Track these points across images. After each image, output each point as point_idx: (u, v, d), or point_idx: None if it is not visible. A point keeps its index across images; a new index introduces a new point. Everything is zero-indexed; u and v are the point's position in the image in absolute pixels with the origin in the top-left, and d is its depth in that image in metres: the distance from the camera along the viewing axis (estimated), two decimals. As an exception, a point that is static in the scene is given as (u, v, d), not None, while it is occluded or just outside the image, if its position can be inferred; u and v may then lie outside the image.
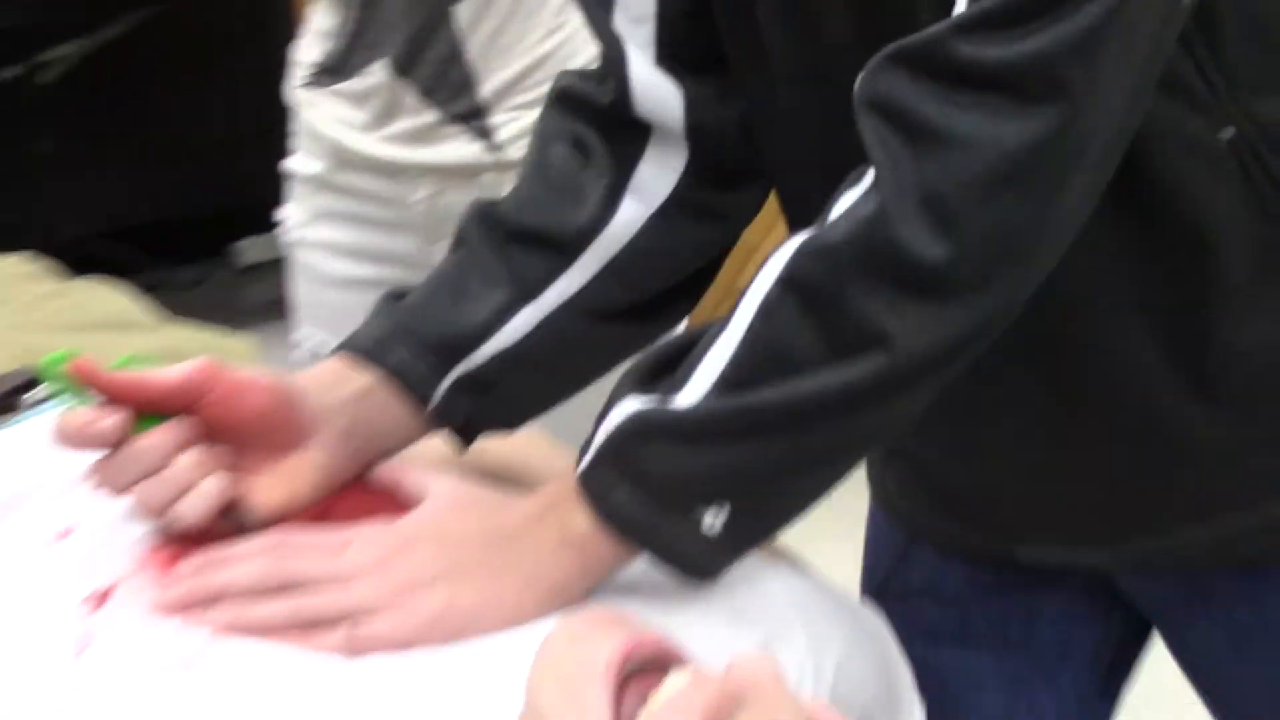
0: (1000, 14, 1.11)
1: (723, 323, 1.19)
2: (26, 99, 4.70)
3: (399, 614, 1.23)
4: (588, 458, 1.22)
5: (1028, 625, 1.58)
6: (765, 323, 1.17)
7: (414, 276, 1.51)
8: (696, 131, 1.40)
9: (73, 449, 1.28)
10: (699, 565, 1.23)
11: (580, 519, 1.23)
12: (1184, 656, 1.55)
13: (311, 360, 1.42)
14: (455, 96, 2.03)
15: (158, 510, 1.28)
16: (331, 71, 2.11)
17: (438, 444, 1.42)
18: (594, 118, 1.42)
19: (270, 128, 2.19)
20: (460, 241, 1.42)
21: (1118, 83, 1.14)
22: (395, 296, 1.41)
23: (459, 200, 1.46)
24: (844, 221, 1.15)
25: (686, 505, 1.20)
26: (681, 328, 1.96)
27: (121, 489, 1.28)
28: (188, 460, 1.28)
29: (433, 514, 1.30)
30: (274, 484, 1.34)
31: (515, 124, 2.03)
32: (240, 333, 1.82)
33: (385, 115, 2.08)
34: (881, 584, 1.62)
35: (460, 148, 2.02)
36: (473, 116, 2.02)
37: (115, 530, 1.32)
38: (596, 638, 1.05)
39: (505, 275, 1.39)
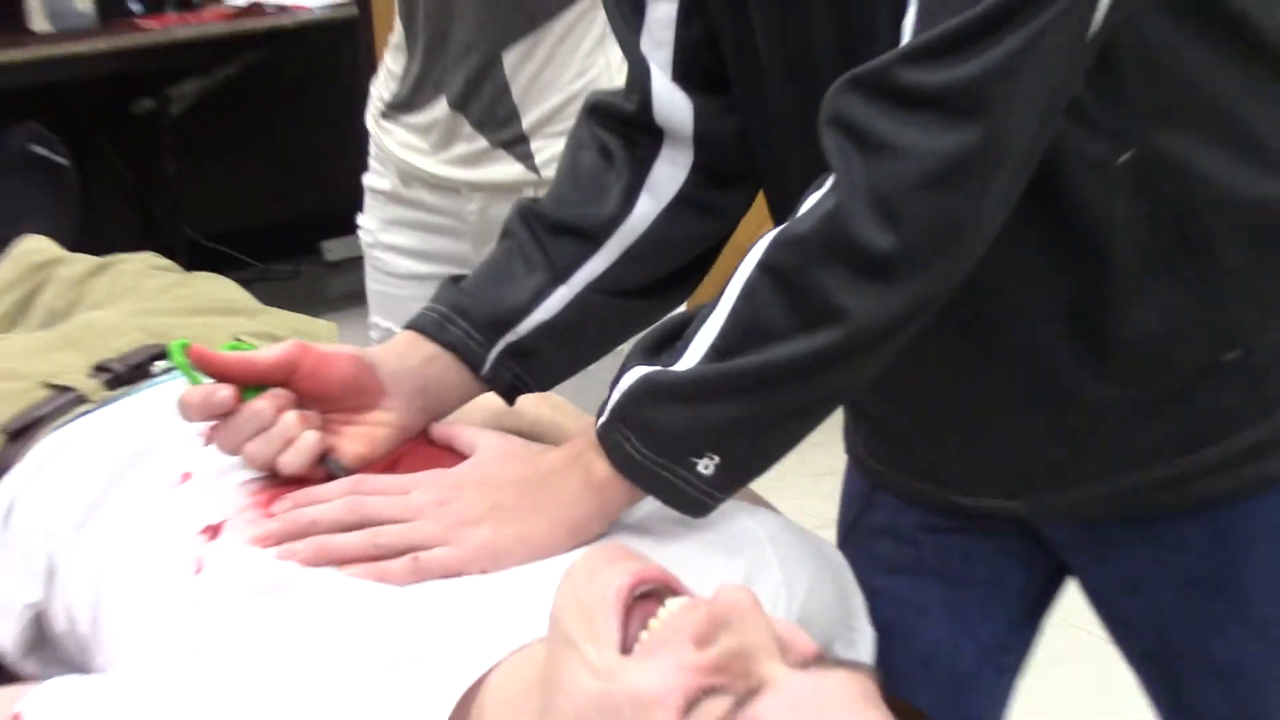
0: (935, 47, 1.11)
1: (714, 302, 1.20)
2: (157, 127, 4.67)
3: (452, 546, 1.24)
4: (604, 416, 1.23)
5: (968, 563, 1.55)
6: (746, 301, 1.19)
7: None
8: (702, 138, 1.40)
9: (195, 419, 1.31)
10: (694, 504, 1.23)
11: (599, 467, 1.24)
12: (1091, 594, 1.54)
13: (383, 340, 1.43)
14: (502, 127, 2.02)
15: (265, 463, 1.30)
16: (401, 106, 2.10)
17: (485, 403, 1.43)
18: (618, 125, 1.43)
19: (351, 150, 2.19)
20: (506, 233, 1.42)
21: (1031, 105, 1.15)
22: (454, 280, 1.42)
23: (504, 212, 1.44)
24: (809, 217, 1.16)
25: (684, 455, 1.21)
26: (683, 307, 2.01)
27: (235, 447, 1.30)
28: (288, 421, 1.30)
29: (480, 464, 1.31)
30: (356, 438, 1.35)
31: (551, 149, 2.00)
32: (325, 317, 1.82)
33: (444, 142, 2.06)
34: (851, 524, 1.61)
35: (506, 169, 2.01)
36: (516, 143, 2.01)
37: (225, 476, 1.34)
38: (610, 570, 1.07)
39: (543, 261, 1.39)
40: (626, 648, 1.03)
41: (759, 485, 1.33)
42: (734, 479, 1.24)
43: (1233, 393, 1.35)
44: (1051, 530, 1.51)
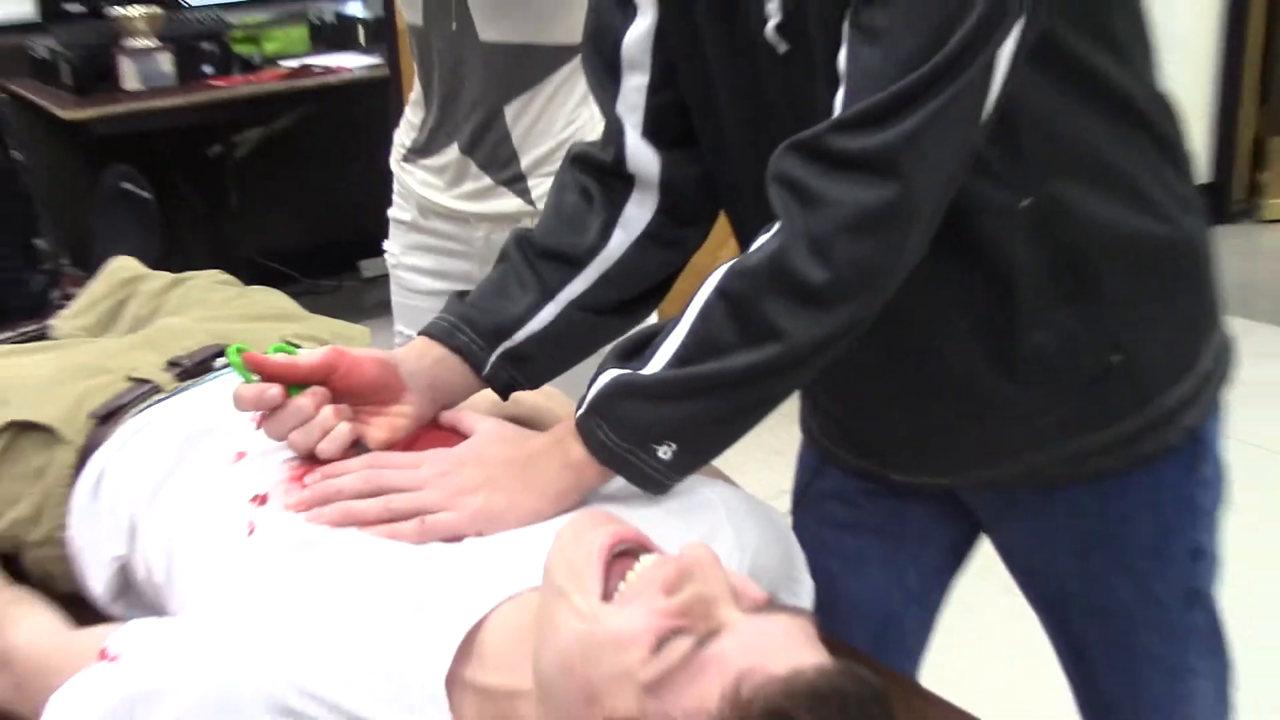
0: (858, 120, 1.13)
1: (677, 318, 1.22)
2: (224, 168, 4.67)
3: (454, 511, 1.25)
4: (582, 408, 1.24)
5: (900, 521, 1.56)
6: (704, 320, 1.20)
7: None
8: (666, 185, 1.40)
9: (248, 410, 1.31)
10: (655, 483, 1.25)
11: (576, 450, 1.25)
12: (1001, 549, 1.54)
13: (404, 344, 1.44)
14: (504, 168, 2.00)
15: (306, 449, 1.31)
16: (419, 151, 2.09)
17: (489, 393, 1.43)
18: (596, 171, 1.43)
19: (381, 186, 2.18)
20: (504, 257, 1.42)
21: (937, 167, 1.15)
22: (461, 295, 1.42)
23: (505, 238, 1.46)
24: (758, 253, 1.17)
25: (647, 443, 1.22)
26: (654, 318, 2.01)
27: (281, 435, 1.31)
28: (325, 414, 1.31)
29: (477, 444, 1.32)
30: (380, 426, 1.35)
31: (544, 186, 1.94)
32: (361, 323, 1.82)
33: (456, 181, 2.05)
34: (804, 489, 1.61)
35: (507, 203, 2.00)
36: (516, 181, 1.99)
37: (271, 455, 1.34)
38: (593, 532, 1.08)
39: (535, 282, 1.39)
40: (607, 596, 1.04)
41: (720, 462, 1.34)
42: (688, 464, 1.25)
43: (1115, 390, 1.35)
44: (970, 497, 1.52)
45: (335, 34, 4.74)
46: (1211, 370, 1.41)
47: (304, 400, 1.30)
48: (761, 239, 1.19)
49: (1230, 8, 5.29)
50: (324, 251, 4.96)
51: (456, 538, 1.24)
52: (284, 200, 4.93)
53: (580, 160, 1.44)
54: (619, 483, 1.27)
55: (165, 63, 4.33)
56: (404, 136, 2.14)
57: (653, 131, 1.39)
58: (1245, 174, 5.53)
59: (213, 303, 1.84)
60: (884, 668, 1.40)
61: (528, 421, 1.42)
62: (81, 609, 1.42)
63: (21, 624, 1.33)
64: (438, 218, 2.09)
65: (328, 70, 4.49)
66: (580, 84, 1.94)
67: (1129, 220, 1.30)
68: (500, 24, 1.93)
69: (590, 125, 1.96)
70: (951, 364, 1.34)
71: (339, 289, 4.96)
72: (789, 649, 0.97)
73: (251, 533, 1.26)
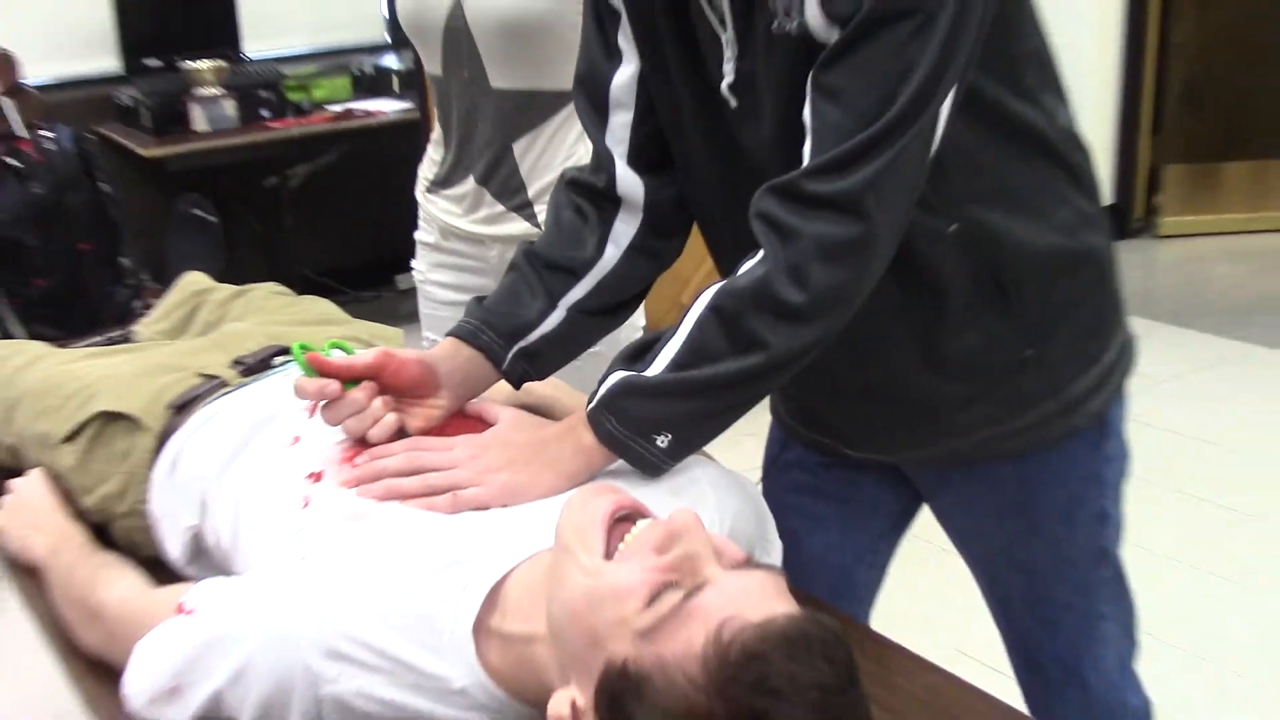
0: (827, 167, 1.14)
1: (674, 328, 1.23)
2: (280, 197, 4.66)
3: (482, 487, 1.25)
4: (593, 403, 1.25)
5: (854, 488, 1.55)
6: (698, 331, 1.21)
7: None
8: (649, 206, 1.40)
9: (309, 399, 1.31)
10: (653, 467, 1.26)
11: (587, 437, 1.25)
12: (937, 514, 1.54)
13: (430, 347, 1.44)
14: (514, 196, 1.99)
15: (359, 435, 1.31)
16: (440, 183, 2.08)
17: (504, 386, 1.43)
18: (589, 194, 1.42)
19: (410, 213, 2.18)
20: (513, 267, 1.42)
21: (894, 204, 1.17)
22: (479, 300, 1.42)
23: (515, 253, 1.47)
24: (746, 277, 1.19)
25: (647, 433, 1.23)
26: (641, 320, 2.03)
27: (338, 422, 1.31)
28: (376, 406, 1.31)
29: (501, 431, 1.33)
30: (418, 417, 1.36)
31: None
32: (395, 327, 1.83)
33: (472, 208, 2.03)
34: (772, 460, 1.61)
35: (517, 226, 1.99)
36: (524, 208, 1.98)
37: (323, 440, 1.34)
38: (597, 499, 1.08)
39: (542, 290, 1.39)
40: (609, 555, 1.05)
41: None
42: (681, 451, 1.26)
43: (1030, 381, 1.35)
44: (910, 470, 1.52)
45: (374, 83, 4.74)
46: (1114, 363, 1.41)
47: (358, 394, 1.31)
48: (747, 265, 1.20)
49: (1127, 57, 5.30)
50: (364, 267, 4.95)
51: (484, 509, 1.24)
52: (330, 224, 4.91)
53: (575, 184, 1.44)
54: (621, 463, 1.27)
55: (229, 108, 4.32)
56: (427, 171, 2.13)
57: (636, 160, 1.39)
58: (1143, 197, 5.54)
59: (270, 309, 1.84)
60: (842, 614, 1.40)
61: (540, 410, 1.42)
62: (161, 571, 1.42)
63: (112, 584, 1.33)
64: (457, 239, 2.09)
65: (367, 114, 4.49)
66: (577, 123, 1.94)
67: (1041, 238, 1.30)
68: (508, 74, 1.93)
69: (586, 158, 1.96)
70: (892, 361, 1.35)
71: (377, 299, 4.95)
72: (764, 600, 0.97)
73: (307, 505, 1.25)
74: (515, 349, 1.38)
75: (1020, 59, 1.26)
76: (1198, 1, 5.26)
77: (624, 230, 1.41)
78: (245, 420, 1.42)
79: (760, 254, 1.19)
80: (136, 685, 1.15)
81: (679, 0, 1.28)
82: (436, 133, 2.10)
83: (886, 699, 1.18)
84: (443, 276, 2.14)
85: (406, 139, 4.13)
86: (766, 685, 0.90)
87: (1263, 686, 2.64)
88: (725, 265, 1.36)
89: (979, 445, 1.40)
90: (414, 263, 2.19)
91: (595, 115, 1.40)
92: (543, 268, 1.40)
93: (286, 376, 1.46)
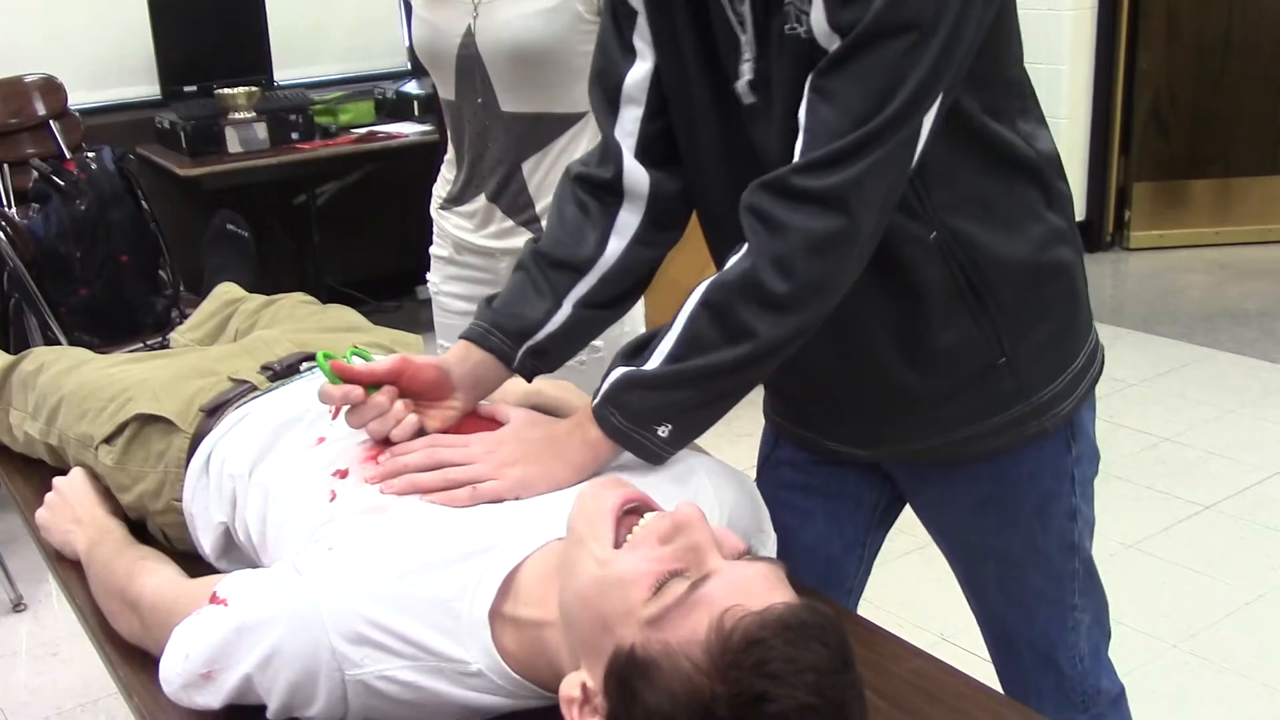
0: (815, 164, 1.14)
1: (669, 325, 1.22)
2: (308, 213, 4.66)
3: (498, 480, 1.24)
4: (597, 398, 1.25)
5: (840, 483, 1.54)
6: (691, 324, 1.21)
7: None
8: (653, 198, 1.38)
9: (333, 404, 1.30)
10: (655, 456, 1.25)
11: (593, 431, 1.25)
12: (917, 509, 1.53)
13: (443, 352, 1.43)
14: (522, 212, 1.99)
15: (381, 436, 1.30)
16: (453, 201, 2.07)
17: (515, 387, 1.43)
18: (592, 188, 1.40)
19: (429, 228, 2.18)
20: (521, 266, 1.41)
21: (876, 203, 1.17)
22: (488, 301, 1.41)
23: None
24: (733, 270, 1.19)
25: (649, 424, 1.23)
26: (641, 312, 2.03)
27: (362, 425, 1.30)
28: (398, 407, 1.30)
29: (514, 428, 1.32)
30: (435, 418, 1.35)
31: None
32: (415, 334, 1.82)
33: (483, 223, 2.03)
34: (765, 458, 1.60)
35: (525, 240, 1.97)
36: (532, 223, 1.98)
37: (346, 440, 1.34)
38: (607, 492, 1.08)
39: (548, 288, 1.38)
40: (617, 545, 1.04)
41: (704, 442, 1.35)
42: (682, 440, 1.26)
43: (1002, 383, 1.35)
44: (891, 467, 1.50)
45: (396, 107, 4.73)
46: (1083, 370, 1.41)
47: (381, 397, 1.30)
48: (733, 259, 1.20)
49: (1098, 83, 5.30)
50: (386, 279, 4.95)
51: (500, 501, 1.24)
52: (355, 238, 4.92)
53: (580, 179, 1.42)
54: (627, 456, 1.27)
55: (260, 131, 4.32)
56: (440, 189, 2.13)
57: (644, 154, 1.38)
58: (1114, 212, 5.54)
59: (298, 318, 1.84)
60: (833, 603, 1.39)
61: (550, 410, 1.41)
62: (195, 564, 1.42)
63: (148, 576, 1.32)
64: (469, 253, 2.08)
65: (389, 136, 4.48)
66: (582, 143, 1.94)
67: (1016, 251, 1.30)
68: (518, 98, 1.93)
69: None
70: (874, 358, 1.34)
71: (399, 308, 4.96)
72: (764, 590, 0.97)
73: (333, 499, 1.25)
74: (524, 348, 1.37)
75: (1004, 86, 1.26)
76: (1163, 32, 5.28)
77: (627, 223, 1.39)
78: (273, 422, 1.41)
79: (745, 247, 1.19)
80: (171, 671, 1.14)
81: (699, 1, 1.27)
82: (449, 153, 2.10)
83: (876, 682, 1.18)
84: (455, 288, 2.14)
85: (426, 159, 4.11)
86: (766, 668, 0.90)
87: (1226, 670, 2.63)
88: (724, 258, 1.36)
89: (956, 444, 1.39)
90: (429, 275, 2.19)
91: (608, 109, 1.39)
92: (548, 266, 1.39)
93: (312, 382, 1.46)
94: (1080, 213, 5.44)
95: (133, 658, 1.30)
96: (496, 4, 1.89)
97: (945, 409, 1.37)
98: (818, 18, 1.15)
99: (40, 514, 1.55)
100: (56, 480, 1.58)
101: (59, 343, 3.22)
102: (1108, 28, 5.23)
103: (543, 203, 1.97)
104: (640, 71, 1.36)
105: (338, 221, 4.80)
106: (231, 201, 4.46)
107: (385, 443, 1.30)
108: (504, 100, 1.93)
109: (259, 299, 1.94)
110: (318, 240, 4.68)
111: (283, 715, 1.11)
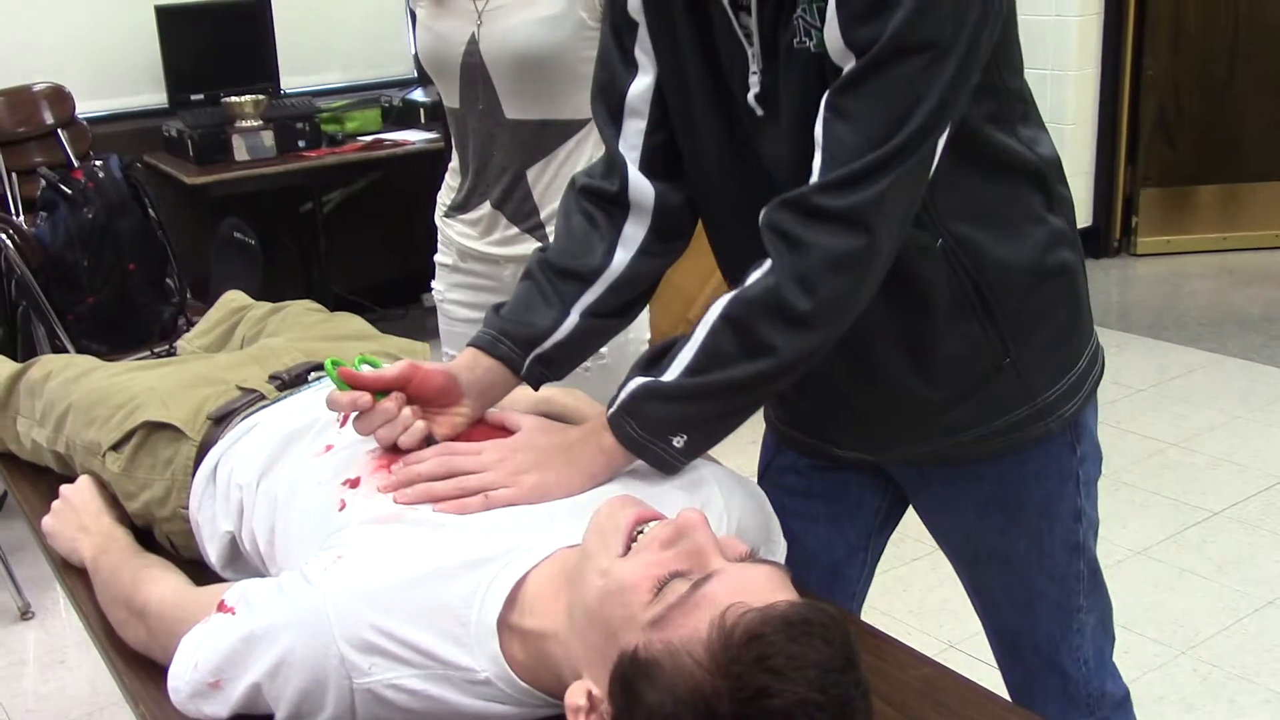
0: (836, 184, 1.16)
1: (687, 336, 1.23)
2: (315, 220, 4.67)
3: (511, 488, 1.24)
4: (613, 407, 1.26)
5: (842, 488, 1.54)
6: (711, 338, 1.21)
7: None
8: (659, 210, 1.39)
9: (342, 411, 1.31)
10: (669, 466, 1.26)
11: (608, 439, 1.25)
12: (920, 512, 1.53)
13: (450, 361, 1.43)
14: (527, 219, 1.99)
15: (390, 442, 1.30)
16: (458, 209, 2.08)
17: (525, 394, 1.43)
18: (599, 199, 1.41)
19: (435, 235, 2.18)
20: (528, 275, 1.41)
21: (896, 220, 1.18)
22: (496, 309, 1.41)
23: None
24: (755, 286, 1.20)
25: (664, 434, 1.24)
26: (646, 334, 2.04)
27: (370, 431, 1.30)
28: (406, 414, 1.30)
29: (527, 435, 1.32)
30: (444, 424, 1.35)
31: None
32: (421, 341, 1.82)
33: (488, 231, 2.03)
34: (767, 464, 1.60)
35: (529, 246, 1.98)
36: (536, 229, 1.98)
37: (354, 447, 1.33)
38: (623, 510, 1.09)
39: (555, 298, 1.38)
40: (624, 554, 1.05)
41: (712, 450, 1.34)
42: (695, 451, 1.27)
43: (1006, 386, 1.36)
44: (895, 470, 1.51)
45: (402, 115, 4.74)
46: (1086, 371, 1.42)
47: (388, 403, 1.30)
48: (756, 274, 1.21)
49: (1104, 91, 5.30)
50: (393, 286, 4.96)
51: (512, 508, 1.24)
52: (361, 246, 4.93)
53: (586, 191, 1.42)
54: (638, 463, 1.27)
55: (267, 139, 4.33)
56: (444, 197, 2.14)
57: (649, 167, 1.38)
58: (1121, 219, 5.54)
59: (304, 325, 1.84)
60: (840, 609, 1.39)
61: (560, 417, 1.42)
62: (201, 572, 1.42)
63: (155, 584, 1.32)
64: (474, 261, 2.09)
65: (395, 144, 4.49)
66: (586, 150, 1.95)
67: (1019, 254, 1.31)
68: (522, 105, 1.93)
69: None
70: (881, 364, 1.35)
71: (405, 315, 4.97)
72: (767, 590, 0.97)
73: (343, 508, 1.24)
74: (532, 355, 1.37)
75: (1006, 95, 1.27)
76: (1170, 38, 5.28)
77: (633, 234, 1.40)
78: (280, 432, 1.41)
79: (768, 264, 1.19)
80: (180, 680, 1.14)
81: (701, 14, 1.28)
82: (454, 161, 2.10)
83: (883, 689, 1.18)
84: (460, 296, 2.14)
85: (433, 167, 4.13)
86: (768, 664, 0.91)
87: (1234, 676, 2.62)
88: (731, 267, 1.38)
89: (961, 446, 1.39)
90: (434, 283, 2.19)
91: (611, 122, 1.39)
92: (555, 276, 1.39)
93: (320, 391, 1.46)
94: (1087, 219, 5.44)
95: (139, 666, 1.30)
96: (501, 12, 1.89)
97: (952, 412, 1.37)
98: (831, 34, 1.15)
99: (47, 521, 1.55)
100: (63, 488, 1.58)
101: (66, 350, 3.23)
102: (1114, 34, 5.24)
103: (547, 209, 1.97)
104: (642, 84, 1.36)
105: (344, 229, 4.81)
106: (238, 209, 4.46)
107: (395, 450, 1.30)
108: (508, 108, 1.94)
109: (265, 306, 1.94)
110: (324, 248, 4.69)
111: (290, 724, 1.11)
